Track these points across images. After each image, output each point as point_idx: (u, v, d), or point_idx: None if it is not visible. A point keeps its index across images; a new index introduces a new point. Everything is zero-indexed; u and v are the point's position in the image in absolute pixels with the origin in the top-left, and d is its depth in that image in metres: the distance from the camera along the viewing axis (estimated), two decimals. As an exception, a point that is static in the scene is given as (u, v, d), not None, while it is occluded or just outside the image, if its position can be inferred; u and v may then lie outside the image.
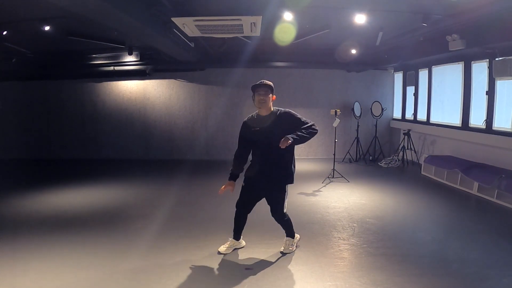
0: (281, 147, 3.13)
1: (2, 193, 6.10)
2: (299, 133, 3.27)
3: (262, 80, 3.46)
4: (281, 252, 3.69)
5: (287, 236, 3.78)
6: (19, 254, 3.66)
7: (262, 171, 3.49)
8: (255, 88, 3.42)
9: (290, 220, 3.74)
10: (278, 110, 3.54)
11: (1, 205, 5.45)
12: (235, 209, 3.72)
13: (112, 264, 3.47)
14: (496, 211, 5.15)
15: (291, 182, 3.58)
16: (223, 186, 3.59)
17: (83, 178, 7.28)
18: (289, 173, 3.55)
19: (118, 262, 3.51)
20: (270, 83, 3.46)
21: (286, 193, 3.59)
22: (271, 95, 3.44)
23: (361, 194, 6.05)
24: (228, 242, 3.76)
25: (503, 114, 6.02)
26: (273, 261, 3.52)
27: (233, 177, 3.61)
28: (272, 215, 3.65)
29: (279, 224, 3.76)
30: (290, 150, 3.45)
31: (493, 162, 6.12)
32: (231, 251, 3.72)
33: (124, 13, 4.05)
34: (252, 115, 3.60)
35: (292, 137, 3.18)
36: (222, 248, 3.71)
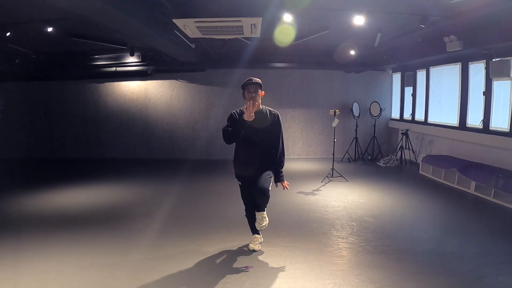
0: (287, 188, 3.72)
1: (6, 193, 6.16)
2: (281, 171, 3.72)
3: (251, 78, 3.57)
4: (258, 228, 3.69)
5: (262, 210, 3.62)
6: (22, 253, 3.71)
7: (250, 165, 3.59)
8: (245, 86, 3.55)
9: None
10: (269, 109, 3.68)
11: (4, 204, 5.51)
12: (245, 208, 3.81)
13: (113, 262, 3.52)
14: (493, 210, 5.21)
15: (271, 175, 3.68)
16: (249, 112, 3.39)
17: (85, 178, 7.34)
18: (268, 166, 3.65)
19: (119, 260, 3.57)
20: (259, 80, 3.58)
21: (272, 177, 3.68)
22: (259, 91, 3.56)
23: (360, 193, 6.11)
24: (255, 239, 3.84)
25: (499, 114, 6.08)
26: (273, 259, 3.58)
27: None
28: (258, 191, 3.47)
29: (268, 220, 3.72)
30: (276, 145, 3.66)
31: (490, 162, 6.18)
32: (260, 246, 3.84)
33: (126, 15, 4.11)
34: (240, 109, 3.64)
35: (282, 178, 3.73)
36: (257, 246, 3.80)
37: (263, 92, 3.61)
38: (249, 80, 3.55)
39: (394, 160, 8.80)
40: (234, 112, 3.63)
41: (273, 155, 3.67)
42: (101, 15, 4.05)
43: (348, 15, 5.15)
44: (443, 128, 7.59)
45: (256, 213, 3.63)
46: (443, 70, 7.66)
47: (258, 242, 3.83)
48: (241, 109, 3.62)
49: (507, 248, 3.82)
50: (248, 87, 3.52)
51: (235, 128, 3.47)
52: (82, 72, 9.03)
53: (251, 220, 3.80)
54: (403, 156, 8.71)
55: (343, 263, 3.49)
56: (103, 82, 9.52)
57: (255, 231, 3.85)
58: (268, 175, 3.59)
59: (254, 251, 3.75)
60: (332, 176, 7.24)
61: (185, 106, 9.68)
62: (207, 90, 9.64)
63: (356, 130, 9.29)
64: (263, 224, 3.60)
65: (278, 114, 3.68)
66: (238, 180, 3.75)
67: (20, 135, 9.72)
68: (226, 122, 3.60)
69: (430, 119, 8.17)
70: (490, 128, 6.25)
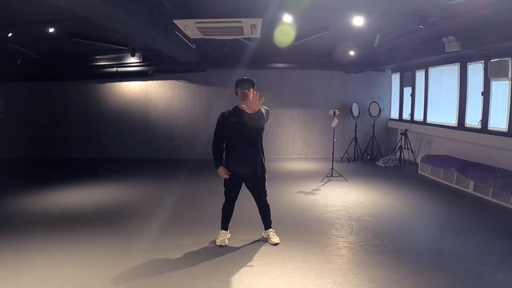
0: (251, 106, 3.27)
1: (7, 192, 6.20)
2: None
3: (244, 77, 3.75)
4: (276, 243, 3.95)
5: (270, 227, 4.06)
6: (24, 252, 3.74)
7: (241, 161, 3.73)
8: (238, 83, 3.73)
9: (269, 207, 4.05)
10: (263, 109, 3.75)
11: (6, 203, 5.55)
12: (224, 201, 3.95)
13: (115, 261, 3.55)
14: (492, 209, 5.24)
15: (265, 169, 3.88)
16: (223, 174, 3.79)
17: (86, 177, 7.38)
18: (261, 161, 3.83)
19: (121, 259, 3.60)
20: (251, 79, 3.75)
21: (266, 180, 3.91)
22: (252, 89, 3.64)
23: (359, 193, 6.14)
24: (222, 234, 3.97)
25: (498, 114, 6.12)
26: (273, 258, 3.62)
27: (221, 164, 3.80)
28: (258, 202, 3.97)
29: (264, 219, 4.05)
30: (258, 139, 3.80)
31: (488, 161, 6.22)
32: (227, 242, 3.95)
33: (127, 15, 4.13)
34: (229, 108, 3.90)
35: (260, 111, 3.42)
36: (224, 241, 3.93)
37: (255, 91, 3.65)
38: (242, 78, 3.75)
39: (393, 160, 8.84)
40: (223, 113, 3.86)
41: (258, 147, 3.79)
42: (102, 16, 4.07)
43: (347, 16, 5.17)
44: (442, 128, 7.63)
45: (267, 230, 4.01)
46: (442, 71, 7.70)
47: (225, 237, 3.95)
48: (229, 108, 3.85)
49: (505, 247, 3.85)
50: (241, 84, 3.70)
51: (222, 145, 3.81)
52: (83, 73, 9.06)
53: (226, 215, 3.97)
54: (402, 156, 8.75)
55: (342, 262, 3.52)
56: (104, 83, 9.55)
57: (224, 226, 4.00)
58: (262, 181, 3.84)
59: (221, 246, 3.86)
60: (331, 176, 7.27)
61: (186, 106, 9.71)
62: (207, 90, 9.67)
63: (355, 130, 9.33)
64: (277, 239, 3.96)
65: (263, 107, 3.65)
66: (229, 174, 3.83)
67: (22, 135, 9.76)
68: (216, 129, 3.86)
69: (429, 119, 8.21)
70: (488, 128, 6.29)
